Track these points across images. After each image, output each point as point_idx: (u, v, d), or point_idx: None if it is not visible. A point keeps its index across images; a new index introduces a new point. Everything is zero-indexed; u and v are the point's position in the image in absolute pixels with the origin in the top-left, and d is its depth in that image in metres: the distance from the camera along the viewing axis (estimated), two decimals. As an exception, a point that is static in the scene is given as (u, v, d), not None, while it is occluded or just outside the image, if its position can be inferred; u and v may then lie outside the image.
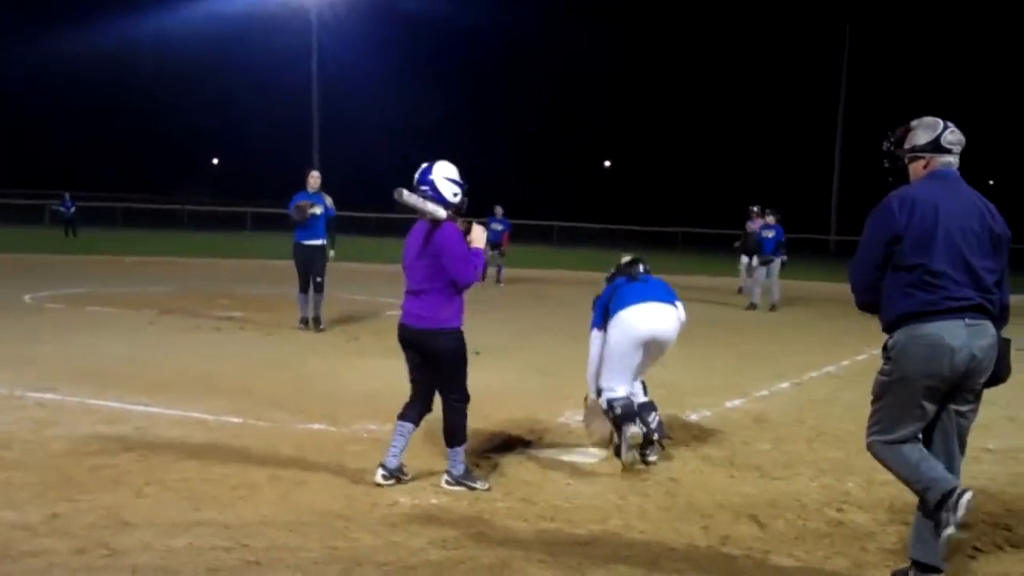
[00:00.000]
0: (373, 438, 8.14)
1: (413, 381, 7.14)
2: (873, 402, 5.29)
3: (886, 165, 5.46)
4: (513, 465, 7.66)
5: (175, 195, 70.27)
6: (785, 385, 12.04)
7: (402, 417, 7.10)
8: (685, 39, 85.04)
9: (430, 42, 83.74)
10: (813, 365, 13.70)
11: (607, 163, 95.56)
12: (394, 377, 10.79)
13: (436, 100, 78.71)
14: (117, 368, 11.20)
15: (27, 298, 18.38)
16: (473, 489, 6.91)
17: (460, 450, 7.01)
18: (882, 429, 5.21)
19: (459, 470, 7.00)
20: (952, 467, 5.18)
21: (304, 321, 15.38)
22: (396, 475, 6.95)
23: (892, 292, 5.14)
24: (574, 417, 9.33)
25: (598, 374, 8.08)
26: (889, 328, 5.19)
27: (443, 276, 6.81)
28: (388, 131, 75.29)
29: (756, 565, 5.69)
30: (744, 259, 25.60)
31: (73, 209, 45.16)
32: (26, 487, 6.52)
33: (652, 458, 8.00)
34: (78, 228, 44.23)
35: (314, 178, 15.65)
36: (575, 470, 7.64)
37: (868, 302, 5.35)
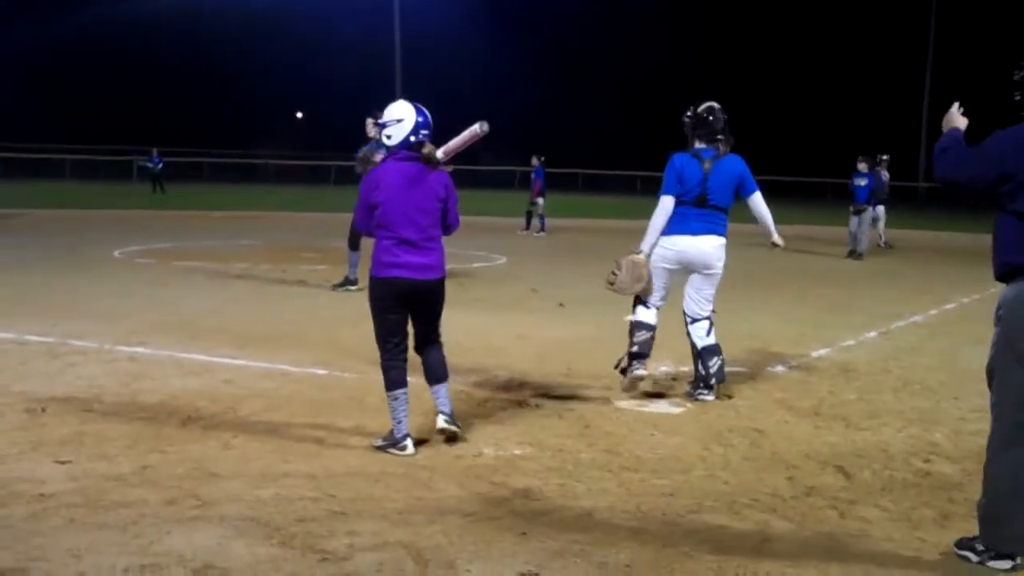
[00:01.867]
0: (456, 388, 8.10)
1: (394, 337, 7.01)
2: (990, 384, 4.85)
3: (1017, 98, 4.88)
4: (597, 416, 7.66)
5: (260, 149, 70.78)
6: (872, 334, 11.88)
7: (402, 384, 6.84)
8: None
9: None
10: (900, 314, 13.51)
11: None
12: (478, 328, 10.87)
13: (520, 52, 78.12)
14: (205, 322, 11.35)
15: (116, 253, 18.72)
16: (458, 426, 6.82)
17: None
18: (999, 414, 4.77)
19: (451, 406, 6.88)
20: None
21: (353, 282, 13.93)
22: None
23: (1008, 233, 4.68)
24: (659, 368, 9.30)
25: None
26: (1001, 278, 4.76)
27: (441, 223, 6.75)
28: (471, 81, 75.05)
29: (841, 515, 5.64)
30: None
31: (160, 165, 45.79)
32: (117, 439, 6.64)
33: (708, 397, 8.25)
34: (165, 183, 44.84)
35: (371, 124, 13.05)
36: (659, 421, 7.62)
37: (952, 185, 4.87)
